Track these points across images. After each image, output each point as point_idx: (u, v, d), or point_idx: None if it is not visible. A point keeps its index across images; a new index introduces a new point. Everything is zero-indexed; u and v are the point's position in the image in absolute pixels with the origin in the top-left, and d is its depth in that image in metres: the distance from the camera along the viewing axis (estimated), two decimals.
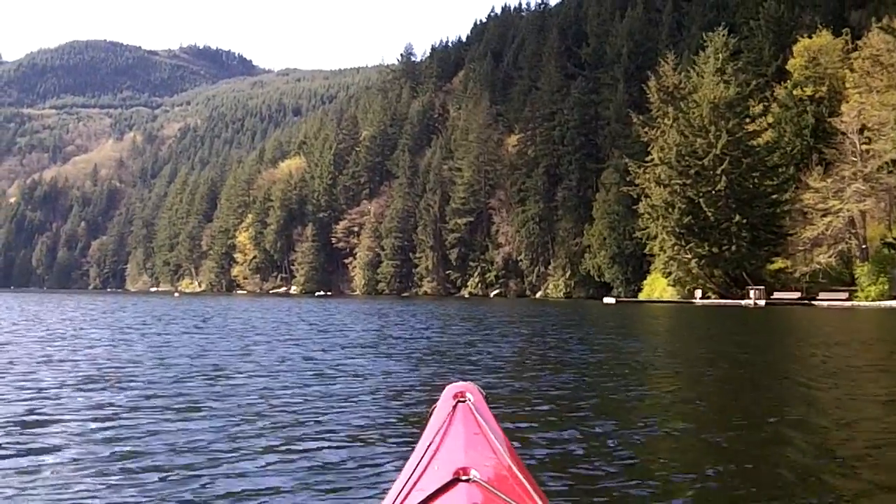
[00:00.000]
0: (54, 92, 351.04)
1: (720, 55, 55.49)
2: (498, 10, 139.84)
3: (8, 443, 5.17)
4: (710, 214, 52.85)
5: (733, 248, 52.53)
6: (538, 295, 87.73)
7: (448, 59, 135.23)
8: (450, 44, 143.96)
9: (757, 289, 50.26)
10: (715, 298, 54.34)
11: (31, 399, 7.07)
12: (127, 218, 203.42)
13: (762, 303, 48.48)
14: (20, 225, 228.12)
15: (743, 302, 49.90)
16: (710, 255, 53.66)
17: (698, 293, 55.16)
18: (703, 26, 73.09)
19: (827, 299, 47.88)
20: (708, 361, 12.38)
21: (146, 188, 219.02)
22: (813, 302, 47.78)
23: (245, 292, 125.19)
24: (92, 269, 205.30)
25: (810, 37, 59.89)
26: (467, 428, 2.17)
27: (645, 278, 71.75)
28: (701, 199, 53.08)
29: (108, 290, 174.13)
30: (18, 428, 5.71)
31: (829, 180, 50.00)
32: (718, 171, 52.43)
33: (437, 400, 2.44)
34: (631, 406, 7.35)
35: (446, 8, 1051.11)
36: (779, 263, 55.27)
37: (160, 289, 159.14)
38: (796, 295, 50.72)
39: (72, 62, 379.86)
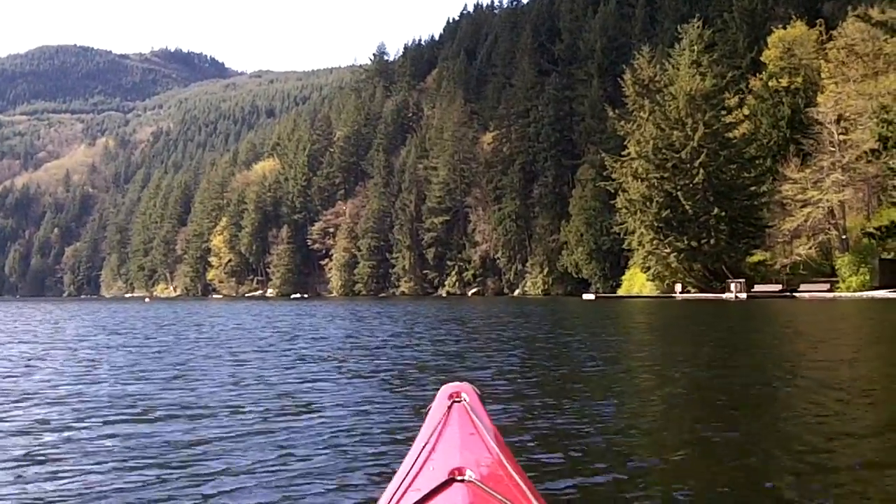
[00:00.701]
0: (25, 97, 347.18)
1: (695, 47, 54.74)
2: (471, 8, 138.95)
3: None
4: (688, 208, 52.12)
5: (712, 241, 51.87)
6: (516, 293, 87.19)
7: (421, 57, 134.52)
8: (423, 42, 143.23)
9: (738, 282, 49.50)
10: (695, 292, 53.69)
11: None
12: (100, 224, 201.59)
13: (744, 296, 47.72)
14: None
15: (724, 296, 49.14)
16: (689, 249, 52.98)
17: (678, 287, 54.41)
18: (676, 20, 72.79)
19: (808, 291, 47.30)
20: (700, 357, 11.91)
21: (119, 193, 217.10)
22: (794, 294, 47.15)
23: (221, 296, 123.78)
24: (66, 276, 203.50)
25: (784, 28, 59.53)
26: (462, 428, 2.17)
27: (623, 274, 71.28)
28: (679, 193, 52.35)
29: (83, 296, 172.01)
30: None
31: (808, 171, 49.49)
32: (696, 164, 51.69)
33: (432, 400, 2.44)
34: (628, 406, 7.12)
35: (419, 7, 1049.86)
36: (758, 256, 54.69)
37: (135, 294, 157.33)
38: (777, 287, 50.08)
39: (42, 67, 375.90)
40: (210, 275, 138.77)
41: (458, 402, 2.33)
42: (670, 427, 6.06)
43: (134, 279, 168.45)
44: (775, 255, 53.46)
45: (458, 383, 2.48)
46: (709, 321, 23.84)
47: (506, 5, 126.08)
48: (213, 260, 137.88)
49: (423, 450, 2.06)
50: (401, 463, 2.12)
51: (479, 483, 1.80)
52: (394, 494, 1.86)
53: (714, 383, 8.61)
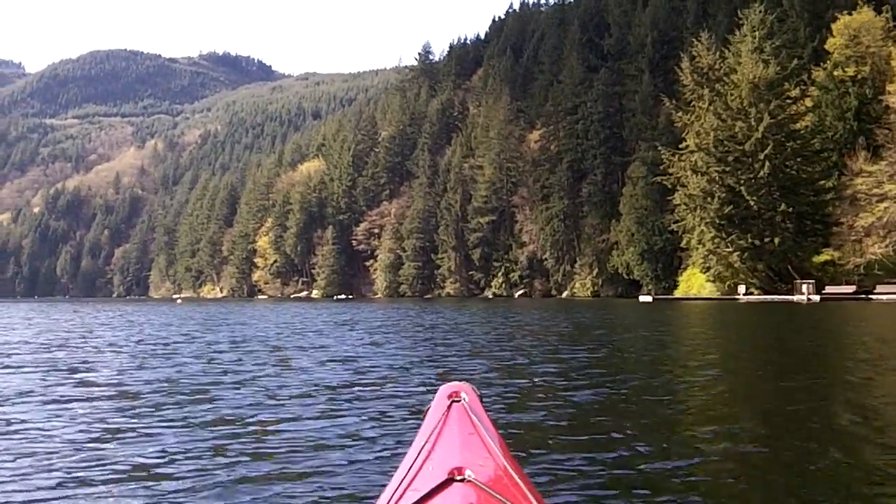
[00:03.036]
0: (76, 102, 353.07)
1: (757, 33, 51.89)
2: (517, 6, 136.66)
3: None
4: (752, 203, 49.18)
5: (777, 239, 48.85)
6: (564, 294, 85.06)
7: (466, 56, 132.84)
8: (468, 42, 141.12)
9: (808, 283, 46.44)
10: (758, 294, 50.62)
11: None
12: (149, 225, 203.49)
13: (816, 298, 44.74)
14: (44, 234, 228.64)
15: (794, 298, 46.11)
16: (753, 248, 49.97)
17: (741, 289, 51.49)
18: (729, 13, 70.36)
19: (886, 293, 44.04)
20: (785, 366, 10.65)
21: (168, 195, 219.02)
22: (870, 296, 44.05)
23: (266, 297, 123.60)
24: (116, 277, 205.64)
25: (850, 14, 56.38)
26: (462, 428, 2.19)
27: (676, 274, 69.26)
28: (742, 187, 49.43)
29: (131, 297, 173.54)
30: None
31: (884, 163, 46.38)
32: (761, 157, 48.72)
33: (431, 400, 2.45)
34: (658, 411, 6.81)
35: (464, 8, 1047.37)
36: (825, 255, 51.53)
37: (182, 295, 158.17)
38: (850, 289, 46.92)
39: (93, 72, 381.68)
40: (255, 276, 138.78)
41: (458, 401, 2.33)
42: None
43: (181, 280, 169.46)
44: (845, 254, 50.10)
45: (457, 383, 2.46)
46: (790, 326, 21.83)
47: (553, 2, 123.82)
48: (258, 261, 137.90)
49: (422, 449, 2.06)
50: (400, 463, 2.12)
51: (478, 483, 1.80)
52: (393, 494, 1.86)
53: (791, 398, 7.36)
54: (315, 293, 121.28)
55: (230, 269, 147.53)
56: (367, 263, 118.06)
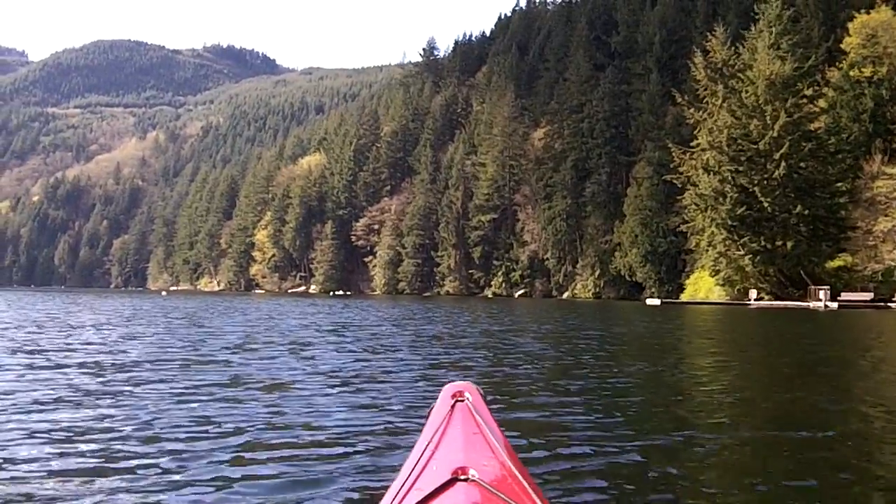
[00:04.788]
0: (79, 91, 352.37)
1: (773, 28, 50.21)
2: (523, 4, 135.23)
3: None
4: (766, 204, 47.42)
5: (791, 243, 47.16)
6: (565, 295, 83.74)
7: (471, 53, 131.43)
8: (473, 39, 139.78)
9: (824, 289, 44.82)
10: (769, 300, 48.94)
11: None
12: (148, 216, 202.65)
13: (834, 305, 43.13)
14: (43, 224, 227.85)
15: (811, 305, 44.44)
16: (766, 251, 48.25)
17: (752, 294, 49.85)
18: (739, 13, 69.01)
19: None
20: (827, 380, 9.56)
21: (168, 187, 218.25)
22: (889, 304, 42.40)
23: (263, 291, 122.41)
24: (114, 268, 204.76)
25: (868, 13, 54.84)
26: (466, 427, 2.19)
27: (679, 278, 67.95)
28: (756, 188, 47.66)
29: (129, 288, 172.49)
30: None
31: None
32: (776, 156, 46.95)
33: (435, 400, 2.46)
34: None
35: (470, 6, 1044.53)
36: (838, 261, 49.94)
37: (179, 287, 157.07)
38: (868, 296, 45.19)
39: (96, 62, 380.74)
40: (253, 269, 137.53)
41: (461, 401, 2.32)
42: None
43: (179, 272, 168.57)
44: (860, 259, 48.31)
45: (461, 382, 2.46)
46: (818, 335, 20.29)
47: (560, 0, 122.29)
48: (256, 255, 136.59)
49: (426, 449, 2.08)
50: (404, 462, 2.14)
51: (482, 483, 1.80)
52: (396, 494, 1.87)
53: None
54: (313, 288, 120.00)
55: (228, 262, 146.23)
56: (367, 260, 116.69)
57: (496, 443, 2.07)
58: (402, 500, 1.80)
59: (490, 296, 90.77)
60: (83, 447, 4.91)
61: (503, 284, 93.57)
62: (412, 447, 2.23)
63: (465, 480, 1.80)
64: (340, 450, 4.91)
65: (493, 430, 2.17)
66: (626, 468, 4.52)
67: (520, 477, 1.87)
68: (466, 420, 2.20)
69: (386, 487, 2.01)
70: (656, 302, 55.02)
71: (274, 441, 5.16)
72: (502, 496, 1.72)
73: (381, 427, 5.66)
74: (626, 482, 4.21)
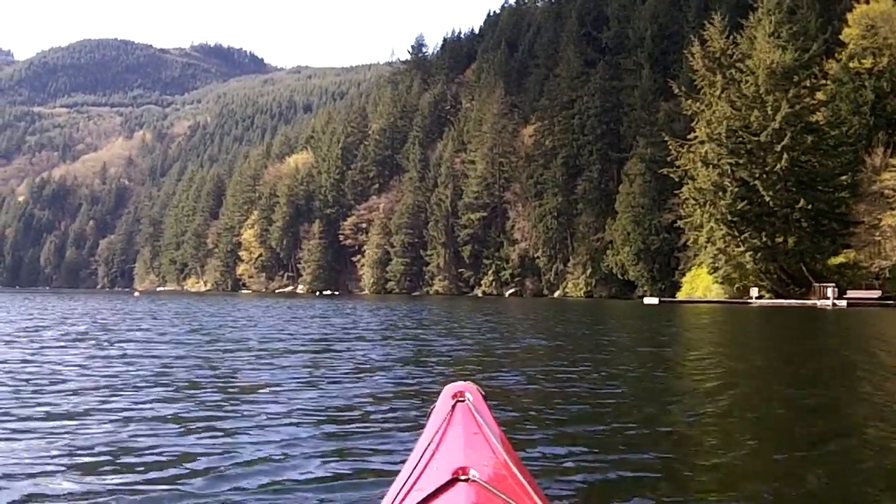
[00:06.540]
0: (65, 90, 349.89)
1: (772, 17, 48.91)
2: (512, 0, 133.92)
3: None
4: (767, 199, 46.00)
5: (793, 239, 45.76)
6: (556, 294, 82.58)
7: (460, 50, 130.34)
8: (462, 36, 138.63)
9: (831, 286, 43.49)
10: (770, 298, 47.56)
11: None
12: (135, 216, 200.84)
13: (843, 303, 41.90)
14: (28, 224, 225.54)
15: (818, 303, 43.12)
16: (767, 248, 46.83)
17: (753, 292, 48.49)
18: (731, 7, 67.86)
19: None
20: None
21: (155, 186, 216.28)
22: None
23: (250, 291, 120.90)
24: (100, 269, 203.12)
25: (867, 2, 53.68)
26: (466, 428, 2.20)
27: (673, 275, 66.85)
28: (756, 182, 46.23)
29: (116, 289, 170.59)
30: None
31: None
32: (778, 149, 45.52)
33: (436, 400, 2.47)
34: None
35: (459, 2, 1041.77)
36: (841, 257, 48.52)
37: (166, 288, 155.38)
38: (876, 294, 43.79)
39: (83, 61, 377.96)
40: (240, 269, 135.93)
41: (462, 401, 2.32)
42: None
43: (165, 273, 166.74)
44: (864, 256, 46.83)
45: (461, 383, 2.46)
46: (839, 335, 19.00)
47: None
48: (243, 254, 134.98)
49: (426, 449, 2.08)
50: (404, 463, 2.15)
51: (483, 483, 1.80)
52: (397, 494, 1.88)
53: None
54: (300, 288, 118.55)
55: (214, 262, 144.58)
56: (355, 259, 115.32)
57: (497, 443, 2.06)
58: (402, 501, 1.80)
59: (480, 295, 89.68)
60: None
61: (493, 283, 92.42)
62: (413, 447, 2.22)
63: (466, 481, 1.79)
64: (340, 449, 4.85)
65: (494, 430, 2.17)
66: (628, 468, 4.45)
67: (520, 477, 1.87)
68: (467, 420, 2.19)
69: (387, 488, 2.01)
70: (654, 301, 53.53)
71: (273, 440, 5.06)
72: (503, 496, 1.71)
73: (381, 427, 5.60)
74: (627, 482, 4.18)
